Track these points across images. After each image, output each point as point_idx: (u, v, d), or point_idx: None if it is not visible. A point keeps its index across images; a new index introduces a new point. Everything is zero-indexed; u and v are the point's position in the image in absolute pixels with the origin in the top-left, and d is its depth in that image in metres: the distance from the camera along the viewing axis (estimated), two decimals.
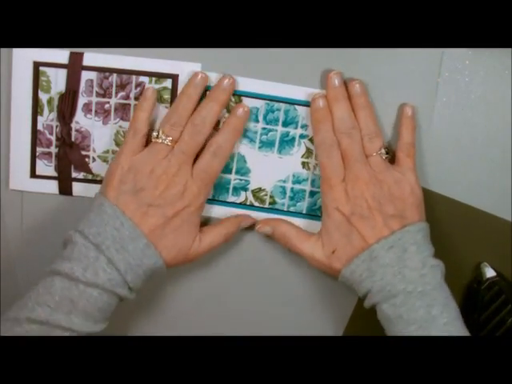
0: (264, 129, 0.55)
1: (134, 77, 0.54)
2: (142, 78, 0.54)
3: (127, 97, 0.55)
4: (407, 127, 0.52)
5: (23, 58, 0.53)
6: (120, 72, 0.54)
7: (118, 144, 0.56)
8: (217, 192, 0.56)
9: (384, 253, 0.48)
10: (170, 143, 0.51)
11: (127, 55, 0.53)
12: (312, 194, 0.56)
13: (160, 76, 0.54)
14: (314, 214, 0.56)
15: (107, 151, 0.56)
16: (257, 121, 0.55)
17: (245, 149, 0.55)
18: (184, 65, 0.54)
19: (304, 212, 0.56)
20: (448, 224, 0.56)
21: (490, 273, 0.55)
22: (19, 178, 0.56)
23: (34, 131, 0.55)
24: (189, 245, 0.52)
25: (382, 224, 0.49)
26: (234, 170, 0.56)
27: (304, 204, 0.56)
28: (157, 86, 0.54)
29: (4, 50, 0.53)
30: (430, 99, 0.54)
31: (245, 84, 0.54)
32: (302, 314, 0.59)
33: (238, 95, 0.54)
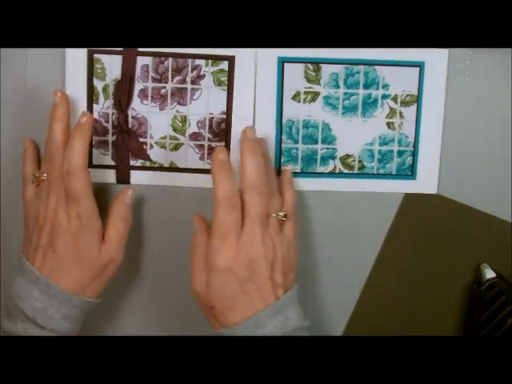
0: (346, 94, 0.55)
1: (189, 60, 0.54)
2: (198, 61, 0.54)
3: (184, 81, 0.54)
4: (287, 187, 0.53)
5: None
6: (175, 56, 0.54)
7: (175, 129, 0.55)
8: (305, 164, 0.56)
9: (269, 320, 0.46)
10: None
11: None
12: (400, 153, 0.55)
13: (216, 58, 0.54)
14: (404, 173, 0.56)
15: (164, 137, 0.55)
16: (337, 87, 0.55)
17: (328, 117, 0.55)
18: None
19: (394, 173, 0.56)
20: (448, 224, 0.56)
21: (489, 274, 0.56)
22: None
23: None
24: (93, 257, 0.49)
25: (271, 292, 0.47)
26: (319, 140, 0.55)
27: (393, 165, 0.56)
28: (213, 69, 0.54)
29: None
30: None
31: (321, 51, 0.53)
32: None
33: (316, 63, 0.54)
